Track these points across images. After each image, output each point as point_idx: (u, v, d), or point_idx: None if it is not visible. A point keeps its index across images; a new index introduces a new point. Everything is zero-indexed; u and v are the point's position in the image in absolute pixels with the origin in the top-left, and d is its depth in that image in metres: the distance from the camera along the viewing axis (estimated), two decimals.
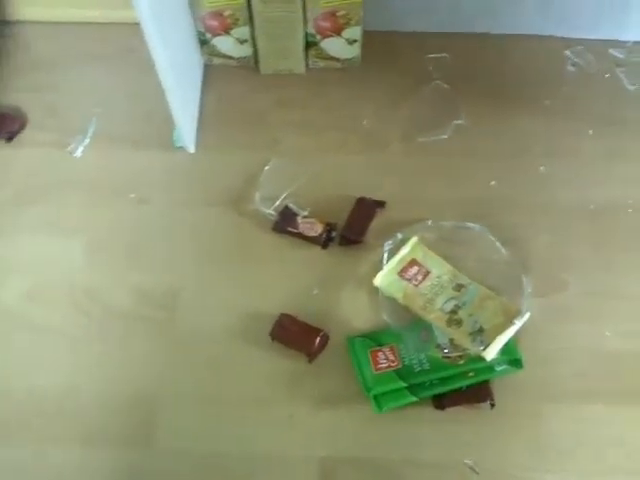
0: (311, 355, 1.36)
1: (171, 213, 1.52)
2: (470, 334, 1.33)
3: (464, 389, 1.33)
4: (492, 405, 1.32)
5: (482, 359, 1.32)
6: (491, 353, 1.31)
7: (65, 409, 1.35)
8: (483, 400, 1.33)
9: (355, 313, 1.42)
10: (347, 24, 1.53)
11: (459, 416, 1.33)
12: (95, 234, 1.50)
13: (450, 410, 1.33)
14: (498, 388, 1.35)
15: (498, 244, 1.43)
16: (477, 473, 1.28)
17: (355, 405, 1.35)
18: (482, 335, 1.32)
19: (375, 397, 1.32)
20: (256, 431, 1.34)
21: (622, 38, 1.68)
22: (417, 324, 1.37)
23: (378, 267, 1.43)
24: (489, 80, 1.61)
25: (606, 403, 1.35)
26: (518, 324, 1.33)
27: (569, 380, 1.37)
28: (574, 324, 1.41)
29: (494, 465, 1.31)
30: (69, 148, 1.58)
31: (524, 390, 1.35)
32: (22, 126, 1.62)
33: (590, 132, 1.58)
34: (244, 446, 1.32)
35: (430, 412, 1.34)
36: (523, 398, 1.35)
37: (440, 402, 1.33)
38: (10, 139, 1.60)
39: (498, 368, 1.34)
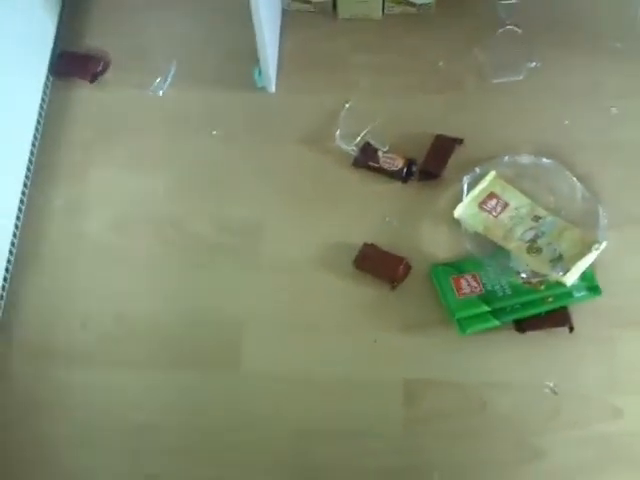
0: (394, 283, 1.40)
1: (253, 149, 1.56)
2: (550, 261, 1.37)
3: (544, 314, 1.37)
4: (571, 329, 1.36)
5: (561, 285, 1.36)
6: (571, 279, 1.34)
7: (152, 334, 1.42)
8: (562, 325, 1.37)
9: (436, 244, 1.46)
10: None
11: (539, 340, 1.37)
12: (178, 169, 1.55)
13: (530, 334, 1.37)
14: (576, 314, 1.39)
15: (573, 179, 1.45)
16: (556, 394, 1.30)
17: (438, 330, 1.39)
18: (561, 262, 1.36)
19: (459, 320, 1.36)
20: (341, 355, 1.39)
21: None
22: (498, 253, 1.40)
23: (457, 201, 1.47)
24: (561, 24, 1.65)
25: None
26: (596, 252, 1.37)
27: None
28: None
29: (572, 387, 1.36)
30: (151, 88, 1.62)
31: (601, 316, 1.39)
32: (105, 67, 1.66)
33: None
34: (329, 369, 1.38)
35: (511, 336, 1.38)
36: (600, 324, 1.39)
37: (521, 326, 1.36)
38: (94, 80, 1.64)
39: (577, 294, 1.37)
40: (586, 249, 1.37)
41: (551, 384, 1.35)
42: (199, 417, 1.36)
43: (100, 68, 1.65)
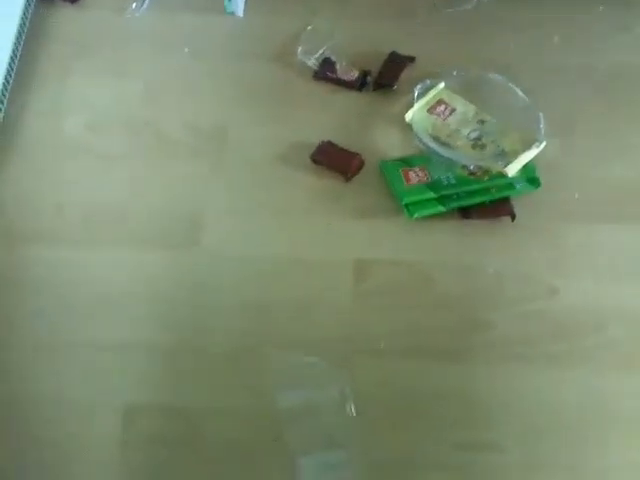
0: (348, 175, 1.50)
1: (221, 64, 1.68)
2: (493, 155, 1.47)
3: (487, 204, 1.47)
4: (513, 218, 1.46)
5: (504, 176, 1.47)
6: (512, 170, 1.46)
7: (120, 220, 1.52)
8: (505, 214, 1.47)
9: (388, 144, 1.57)
10: None
11: (483, 227, 1.47)
12: (152, 78, 1.67)
13: (474, 222, 1.46)
14: (518, 205, 1.48)
15: (518, 91, 1.57)
16: (499, 275, 1.41)
17: (388, 216, 1.49)
18: (504, 156, 1.47)
19: (407, 205, 1.46)
20: (296, 237, 1.48)
21: None
22: (445, 150, 1.51)
23: (409, 107, 1.58)
24: None
25: (617, 222, 1.49)
26: (536, 149, 1.48)
27: (583, 203, 1.51)
28: (587, 159, 1.55)
29: (514, 269, 1.44)
30: (129, 11, 1.74)
31: (542, 209, 1.49)
32: None
33: (600, 9, 1.73)
34: (284, 250, 1.47)
35: (456, 223, 1.48)
36: (541, 216, 1.49)
37: (465, 213, 1.46)
38: (75, 1, 1.75)
39: (518, 185, 1.48)
40: (527, 146, 1.47)
41: (495, 266, 1.43)
42: (163, 289, 1.43)
43: None
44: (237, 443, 1.28)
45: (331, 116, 1.59)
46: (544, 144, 1.48)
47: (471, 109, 1.54)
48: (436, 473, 1.26)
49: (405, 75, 1.64)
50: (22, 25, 1.68)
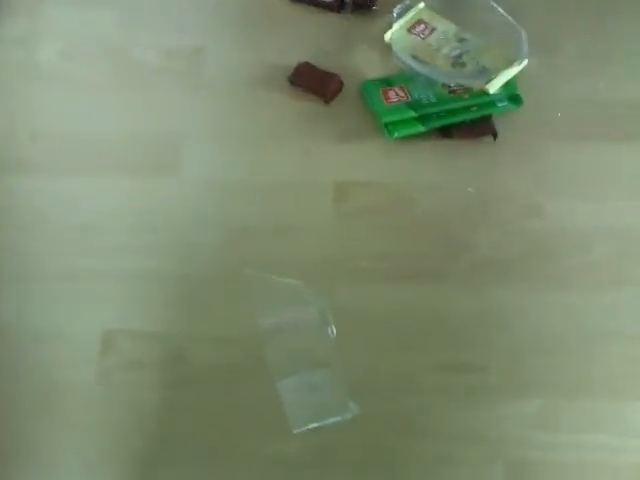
0: (327, 97, 1.47)
1: None
2: (474, 72, 1.44)
3: (468, 123, 1.44)
4: (495, 137, 1.43)
5: (485, 93, 1.44)
6: (494, 87, 1.43)
7: (98, 148, 1.48)
8: (486, 133, 1.44)
9: (368, 64, 1.54)
10: None
11: (465, 147, 1.45)
12: (126, 4, 1.64)
13: (456, 142, 1.44)
14: (500, 124, 1.46)
15: (500, 9, 1.53)
16: (482, 195, 1.39)
17: (369, 139, 1.46)
18: (485, 73, 1.43)
19: (387, 125, 1.43)
20: (274, 161, 1.45)
21: None
22: (425, 68, 1.47)
23: (388, 28, 1.54)
24: None
25: (601, 140, 1.47)
26: (517, 67, 1.45)
27: (566, 122, 1.48)
28: (570, 78, 1.52)
29: (497, 189, 1.43)
30: None
31: (525, 128, 1.46)
32: None
33: None
34: (264, 174, 1.45)
35: (438, 143, 1.46)
36: (524, 134, 1.46)
37: (447, 133, 1.44)
38: None
39: (500, 104, 1.45)
40: (508, 64, 1.44)
41: (477, 186, 1.41)
42: (143, 217, 1.41)
43: None
44: (220, 367, 1.28)
45: (310, 38, 1.56)
46: (526, 62, 1.45)
47: (451, 28, 1.51)
48: (418, 394, 1.26)
49: None
50: None
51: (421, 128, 1.41)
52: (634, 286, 1.33)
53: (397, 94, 1.42)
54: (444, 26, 1.51)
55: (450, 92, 1.43)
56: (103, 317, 1.32)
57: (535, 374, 1.27)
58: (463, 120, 1.43)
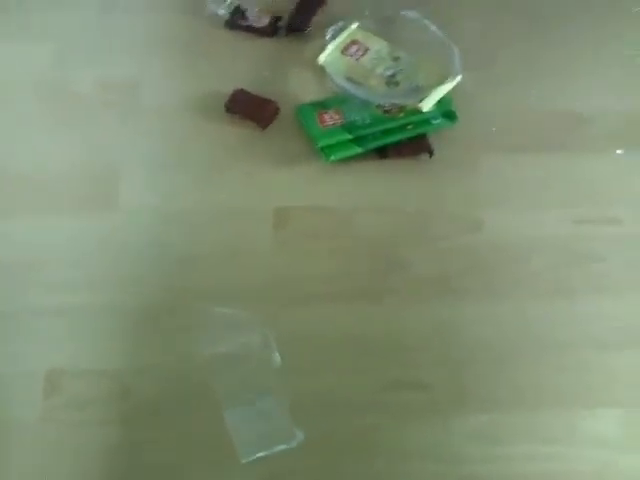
0: (264, 123, 1.48)
1: (132, 18, 1.66)
2: (407, 91, 1.45)
3: (404, 142, 1.45)
4: (431, 154, 1.44)
5: (419, 112, 1.44)
6: (427, 105, 1.44)
7: (37, 184, 1.48)
8: (422, 151, 1.45)
9: (303, 88, 1.54)
10: None
11: (401, 167, 1.46)
12: (62, 38, 1.64)
13: (393, 162, 1.45)
14: (436, 141, 1.47)
15: (432, 26, 1.55)
16: (421, 213, 1.40)
17: (307, 163, 1.47)
18: (418, 91, 1.45)
19: (323, 148, 1.44)
20: (214, 189, 1.46)
21: None
22: (360, 90, 1.48)
23: (323, 51, 1.55)
24: None
25: (536, 152, 1.50)
26: (451, 83, 1.46)
27: (501, 135, 1.49)
28: (503, 91, 1.54)
29: (436, 206, 1.44)
30: None
31: (460, 143, 1.47)
32: None
33: None
34: (204, 202, 1.46)
35: (375, 163, 1.46)
36: (459, 150, 1.47)
37: (383, 153, 1.44)
38: None
39: (434, 121, 1.46)
40: (442, 81, 1.45)
41: (415, 204, 1.42)
42: (83, 251, 1.41)
43: None
44: (167, 400, 1.28)
45: (244, 64, 1.57)
46: (459, 78, 1.47)
47: (385, 47, 1.53)
48: (366, 415, 1.26)
49: (318, 18, 1.61)
50: None
51: (358, 150, 1.42)
52: (569, 295, 1.35)
53: (332, 117, 1.43)
54: (378, 45, 1.52)
55: (385, 112, 1.43)
56: (46, 355, 1.32)
57: (479, 388, 1.28)
58: (399, 139, 1.44)
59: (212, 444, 1.24)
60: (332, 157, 1.40)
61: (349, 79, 1.50)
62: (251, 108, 1.48)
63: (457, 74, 1.46)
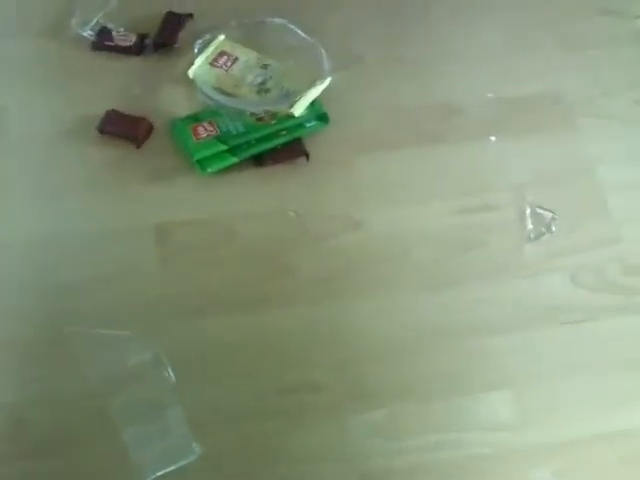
0: (138, 141, 1.47)
1: None
2: (278, 98, 1.46)
3: (280, 148, 1.46)
4: (307, 158, 1.46)
5: (291, 117, 1.46)
6: (298, 110, 1.46)
7: None
8: (298, 155, 1.47)
9: (175, 103, 1.54)
10: None
11: (279, 172, 1.47)
12: None
13: (270, 168, 1.46)
14: (311, 145, 1.49)
15: (299, 31, 1.57)
16: (300, 216, 1.40)
17: (184, 177, 1.47)
18: (289, 97, 1.46)
19: (199, 161, 1.44)
20: (92, 211, 1.45)
21: None
22: (232, 100, 1.49)
23: (191, 64, 1.55)
24: None
25: (407, 147, 1.54)
26: (320, 86, 1.48)
27: (373, 133, 1.52)
28: (373, 89, 1.57)
29: (315, 208, 1.45)
30: None
31: (335, 144, 1.50)
32: None
33: None
34: (80, 226, 1.44)
35: (252, 172, 1.48)
36: (335, 151, 1.49)
37: (260, 161, 1.45)
38: None
39: (308, 124, 1.48)
40: (311, 85, 1.47)
41: (295, 209, 1.43)
42: None
43: None
44: (60, 429, 1.26)
45: (114, 85, 1.56)
46: (328, 80, 1.49)
47: (253, 56, 1.54)
48: (263, 421, 1.27)
49: (185, 33, 1.61)
50: None
51: (234, 160, 1.43)
52: (458, 284, 1.39)
53: (206, 129, 1.43)
54: (246, 55, 1.53)
55: (258, 120, 1.45)
56: None
57: (373, 383, 1.30)
58: (274, 146, 1.44)
59: (113, 468, 1.23)
60: (209, 169, 1.41)
61: (220, 90, 1.50)
62: (124, 127, 1.47)
63: (326, 76, 1.48)
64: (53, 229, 1.42)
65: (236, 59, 1.53)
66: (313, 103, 1.48)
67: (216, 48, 1.55)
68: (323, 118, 1.47)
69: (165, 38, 1.59)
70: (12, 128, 1.52)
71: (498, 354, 1.32)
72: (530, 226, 1.41)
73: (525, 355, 1.33)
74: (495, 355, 1.32)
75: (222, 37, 1.56)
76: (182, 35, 1.61)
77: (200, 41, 1.56)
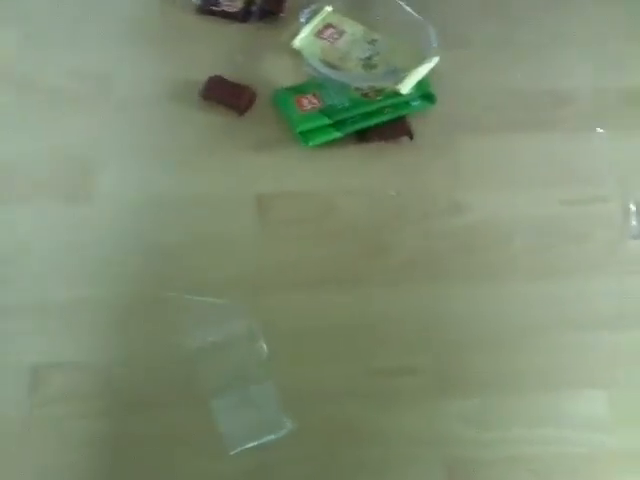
0: (241, 109, 1.46)
1: (102, 6, 1.62)
2: (385, 74, 1.44)
3: (384, 125, 1.43)
4: (411, 137, 1.43)
5: (397, 94, 1.43)
6: (406, 87, 1.43)
7: (12, 177, 1.43)
8: (402, 134, 1.44)
9: (279, 73, 1.52)
10: None
11: (381, 150, 1.44)
12: (31, 25, 1.59)
13: (373, 145, 1.43)
14: (415, 124, 1.46)
15: (407, 7, 1.54)
16: (401, 196, 1.38)
17: (287, 148, 1.45)
18: (396, 73, 1.43)
19: (302, 133, 1.42)
20: (192, 176, 1.43)
21: None
22: (337, 73, 1.47)
23: (297, 34, 1.53)
24: None
25: (514, 132, 1.50)
26: (429, 65, 1.45)
27: (479, 116, 1.49)
28: (480, 71, 1.54)
29: (417, 189, 1.43)
30: None
31: (439, 125, 1.46)
32: None
33: None
34: (183, 189, 1.42)
35: (355, 148, 1.45)
36: (439, 132, 1.46)
37: (363, 137, 1.43)
38: None
39: (413, 103, 1.45)
40: (419, 63, 1.44)
41: (397, 188, 1.41)
42: (62, 243, 1.37)
43: None
44: (151, 392, 1.25)
45: (218, 50, 1.54)
46: (437, 59, 1.46)
47: (360, 30, 1.51)
48: (354, 402, 1.24)
49: (291, 2, 1.59)
50: None
51: (337, 134, 1.41)
52: (554, 276, 1.34)
53: (310, 101, 1.41)
54: (352, 28, 1.50)
55: (363, 95, 1.42)
56: (29, 351, 1.28)
57: (468, 371, 1.27)
58: (378, 123, 1.41)
59: (199, 436, 1.21)
60: (311, 142, 1.41)
61: (325, 62, 1.46)
62: (227, 95, 1.46)
63: (434, 55, 1.44)
64: (154, 193, 1.41)
65: (343, 32, 1.51)
66: (420, 82, 1.45)
67: (323, 19, 1.52)
68: (429, 97, 1.44)
69: (271, 6, 1.57)
70: (115, 89, 1.51)
71: (598, 350, 1.30)
72: (634, 223, 1.35)
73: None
74: (595, 351, 1.29)
75: (329, 9, 1.53)
76: (288, 4, 1.58)
77: (306, 11, 1.54)
